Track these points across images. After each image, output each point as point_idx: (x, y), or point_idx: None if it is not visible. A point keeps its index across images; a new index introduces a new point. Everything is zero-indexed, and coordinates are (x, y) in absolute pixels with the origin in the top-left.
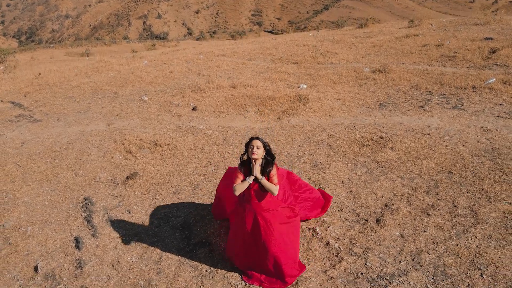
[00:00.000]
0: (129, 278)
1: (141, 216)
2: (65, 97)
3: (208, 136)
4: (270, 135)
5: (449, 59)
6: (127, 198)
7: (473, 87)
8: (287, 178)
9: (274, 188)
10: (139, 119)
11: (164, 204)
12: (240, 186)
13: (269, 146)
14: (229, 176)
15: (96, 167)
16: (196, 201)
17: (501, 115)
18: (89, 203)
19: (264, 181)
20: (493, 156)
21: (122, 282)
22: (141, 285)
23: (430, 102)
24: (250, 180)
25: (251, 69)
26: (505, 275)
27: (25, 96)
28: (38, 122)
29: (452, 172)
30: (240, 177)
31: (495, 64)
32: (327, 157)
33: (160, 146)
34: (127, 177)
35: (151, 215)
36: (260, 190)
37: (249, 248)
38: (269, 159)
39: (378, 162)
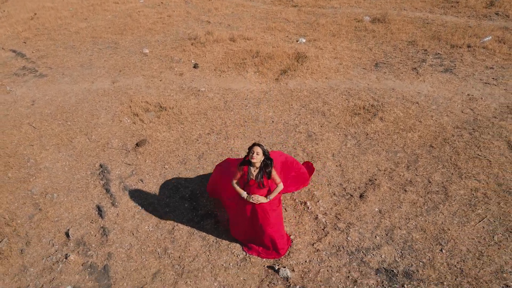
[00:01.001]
0: (148, 246)
1: (153, 186)
2: (66, 46)
3: (210, 99)
4: (268, 100)
5: (452, 6)
6: (139, 166)
7: (468, 46)
8: (281, 168)
9: (280, 188)
10: (142, 76)
11: (173, 174)
12: (236, 188)
13: (267, 152)
14: (227, 167)
15: (107, 132)
16: (202, 172)
17: (489, 81)
18: (105, 171)
19: (271, 196)
20: (473, 129)
21: (142, 250)
22: (158, 253)
23: (424, 63)
24: (244, 196)
25: (250, 14)
26: (461, 250)
27: (24, 42)
28: (44, 77)
29: (432, 146)
30: (238, 175)
31: (496, 14)
32: (321, 126)
33: (165, 109)
34: (136, 144)
35: (162, 185)
36: (259, 188)
37: (248, 229)
38: (268, 162)
39: (367, 134)
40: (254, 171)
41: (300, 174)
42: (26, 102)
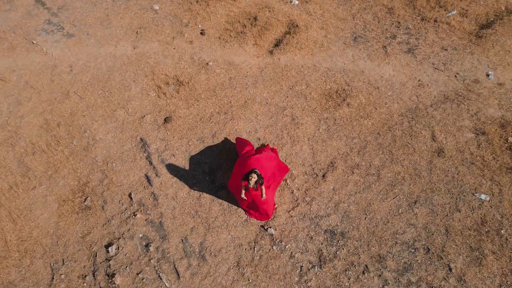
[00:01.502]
0: (185, 209)
1: (182, 161)
2: None
3: (217, 75)
4: (264, 79)
5: None
6: (170, 142)
7: (435, 21)
8: (271, 172)
9: (264, 190)
10: (157, 42)
11: (195, 150)
12: (243, 193)
13: (260, 175)
14: (239, 168)
15: (139, 105)
16: (216, 150)
17: (438, 67)
18: (146, 145)
19: (263, 196)
20: (412, 117)
21: (181, 211)
22: (192, 214)
23: (393, 40)
24: (245, 198)
25: None
26: (377, 218)
27: None
28: (72, 37)
29: (379, 134)
30: (242, 184)
31: None
32: (302, 110)
33: (182, 84)
34: (164, 120)
35: (188, 160)
36: (255, 191)
37: (249, 206)
38: (260, 179)
39: (335, 120)
40: (252, 182)
41: (281, 167)
42: (64, 67)
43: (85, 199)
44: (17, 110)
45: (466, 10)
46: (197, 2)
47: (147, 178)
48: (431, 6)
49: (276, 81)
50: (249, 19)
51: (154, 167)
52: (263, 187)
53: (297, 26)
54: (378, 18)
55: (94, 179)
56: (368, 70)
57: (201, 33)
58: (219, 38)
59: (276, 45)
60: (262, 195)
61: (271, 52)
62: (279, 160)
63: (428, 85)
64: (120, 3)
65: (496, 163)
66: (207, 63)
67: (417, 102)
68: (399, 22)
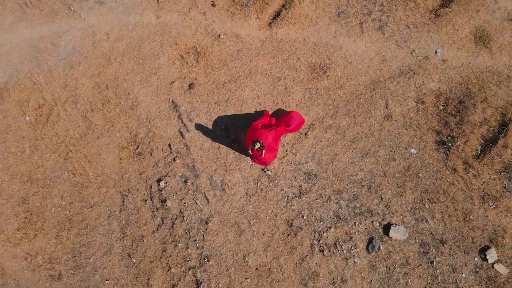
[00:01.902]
0: (209, 156)
1: (205, 120)
2: None
3: (227, 47)
4: (264, 52)
5: None
6: (194, 104)
7: None
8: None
9: (263, 156)
10: (176, 12)
11: (213, 111)
12: (249, 152)
13: (262, 144)
14: (250, 135)
15: (168, 72)
16: (228, 112)
17: (400, 44)
18: (176, 106)
19: (263, 155)
20: (373, 88)
21: (207, 158)
22: (214, 160)
23: (369, 17)
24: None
25: None
26: (340, 164)
27: None
28: (103, 5)
29: (348, 101)
30: (250, 147)
31: None
32: (293, 81)
33: (200, 54)
34: (189, 86)
35: (209, 120)
36: (258, 152)
37: (253, 156)
38: (261, 146)
39: (317, 89)
40: (256, 147)
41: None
42: (102, 34)
43: (137, 147)
44: (71, 73)
45: None
46: None
47: (180, 133)
48: None
49: (273, 54)
50: None
51: (184, 124)
52: (263, 150)
53: (292, 0)
54: None
55: (141, 132)
56: (346, 45)
57: (212, 5)
58: (227, 10)
59: (274, 18)
60: (261, 155)
61: (270, 25)
62: (276, 131)
63: (389, 60)
64: None
65: (426, 126)
66: (219, 35)
67: (379, 75)
68: None
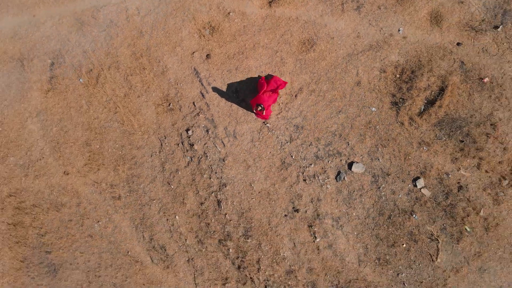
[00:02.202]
0: (224, 112)
1: (219, 84)
2: None
3: (236, 23)
4: (265, 28)
5: None
6: (211, 71)
7: None
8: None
9: (264, 114)
10: None
11: (226, 77)
12: (254, 110)
13: (263, 107)
14: (255, 98)
15: (189, 44)
16: (238, 78)
17: (372, 23)
18: (197, 73)
19: (264, 113)
20: (348, 60)
21: (222, 113)
22: (228, 115)
23: None
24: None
25: None
26: (318, 117)
27: None
28: None
29: (328, 70)
30: (254, 108)
31: None
32: (287, 53)
33: (214, 29)
34: (206, 56)
35: (223, 83)
36: (260, 112)
37: (256, 113)
38: (262, 108)
39: (305, 60)
40: (259, 108)
41: (274, 98)
42: (133, 10)
43: (169, 104)
44: (111, 43)
45: None
46: None
47: (201, 94)
48: None
49: (272, 30)
50: None
51: (204, 87)
52: (263, 110)
53: None
54: None
55: (171, 92)
56: (329, 23)
57: None
58: None
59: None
60: (263, 113)
61: (270, 4)
62: (271, 96)
63: (362, 36)
64: None
65: (385, 90)
66: (229, 13)
67: (354, 49)
68: None
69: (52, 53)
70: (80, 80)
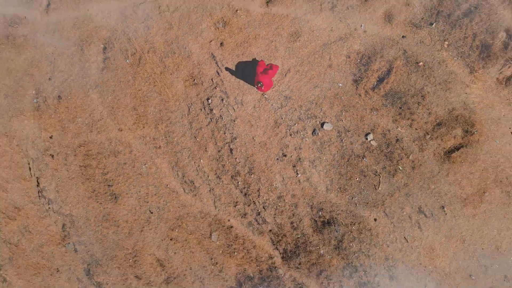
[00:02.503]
0: (234, 86)
1: (231, 65)
2: None
3: (241, 18)
4: (264, 23)
5: None
6: (224, 56)
7: None
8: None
9: (263, 90)
10: None
11: (235, 60)
12: (255, 87)
13: (261, 84)
14: (255, 76)
15: (207, 35)
16: (244, 60)
17: (342, 20)
18: (215, 57)
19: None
20: (324, 48)
21: (234, 87)
22: (237, 89)
23: (326, 0)
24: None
25: None
26: (304, 91)
27: None
28: None
29: (309, 56)
30: (255, 84)
31: None
32: (279, 43)
33: (226, 23)
34: (220, 44)
35: (233, 65)
36: (260, 88)
37: (257, 87)
38: (261, 85)
39: (293, 48)
40: (258, 85)
41: (271, 76)
42: (164, 6)
43: (194, 80)
44: (148, 32)
45: None
46: None
47: (217, 73)
48: None
49: (269, 25)
50: None
51: (219, 67)
52: (262, 86)
53: None
54: None
55: (195, 71)
56: (311, 20)
57: None
58: None
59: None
60: (262, 88)
61: (267, 4)
62: (268, 75)
63: (334, 30)
64: None
65: (349, 71)
66: (236, 10)
67: (328, 40)
68: None
69: (104, 40)
70: (127, 61)
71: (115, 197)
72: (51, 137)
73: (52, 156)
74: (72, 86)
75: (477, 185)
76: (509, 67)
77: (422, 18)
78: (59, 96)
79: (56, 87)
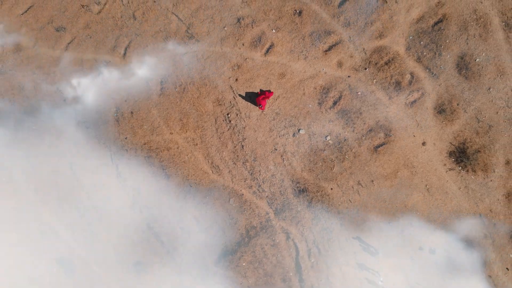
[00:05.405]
0: (244, 105)
1: (242, 92)
2: None
3: (249, 64)
4: (262, 66)
5: None
6: (238, 87)
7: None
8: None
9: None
10: (229, 48)
11: (245, 90)
12: (257, 105)
13: (260, 104)
14: (256, 99)
15: (228, 74)
16: (250, 90)
17: (311, 65)
18: (232, 87)
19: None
20: (300, 84)
21: (243, 106)
22: (246, 106)
23: (301, 52)
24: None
25: None
26: (294, 68)
27: None
28: (198, 42)
29: (291, 88)
30: (257, 104)
31: None
32: (273, 80)
33: (239, 67)
34: (236, 79)
35: (243, 93)
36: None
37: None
38: (260, 106)
39: (281, 83)
40: (258, 106)
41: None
42: (200, 56)
43: (219, 102)
44: (189, 72)
45: None
46: None
47: (234, 97)
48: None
49: (266, 68)
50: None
51: (235, 94)
52: (262, 108)
53: (272, 44)
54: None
55: (219, 96)
56: (293, 65)
57: (243, 45)
58: (248, 47)
59: (266, 52)
60: (262, 108)
61: (265, 54)
62: (266, 99)
63: (306, 72)
64: None
65: (315, 97)
66: (246, 59)
67: (302, 77)
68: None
69: (161, 76)
70: (176, 89)
71: (168, 177)
72: (125, 138)
73: (126, 150)
74: (140, 105)
75: (393, 167)
76: (412, 96)
77: (360, 65)
78: (131, 112)
79: (129, 106)
